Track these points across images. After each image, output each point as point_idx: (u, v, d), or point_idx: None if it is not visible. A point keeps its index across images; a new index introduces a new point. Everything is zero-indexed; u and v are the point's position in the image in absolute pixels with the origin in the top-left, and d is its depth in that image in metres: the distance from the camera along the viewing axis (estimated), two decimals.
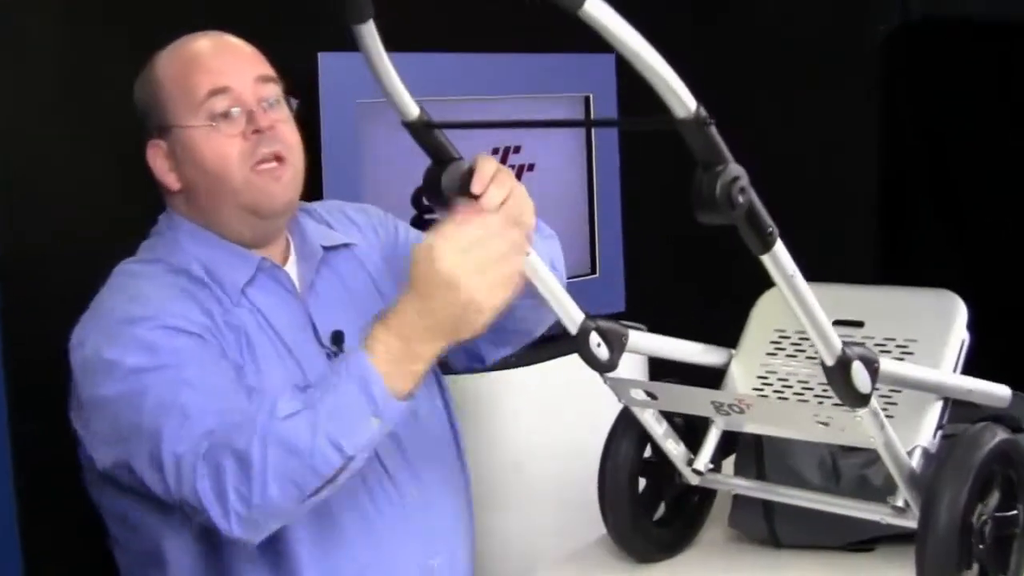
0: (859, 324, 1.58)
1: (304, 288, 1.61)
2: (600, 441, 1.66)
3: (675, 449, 1.62)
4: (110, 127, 1.68)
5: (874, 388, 1.31)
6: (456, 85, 2.69)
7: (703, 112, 1.10)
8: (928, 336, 1.54)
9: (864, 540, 1.63)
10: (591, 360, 1.44)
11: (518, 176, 2.21)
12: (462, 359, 1.74)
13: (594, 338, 1.43)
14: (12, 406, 1.99)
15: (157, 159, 1.56)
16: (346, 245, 1.69)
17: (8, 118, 2.08)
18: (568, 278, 1.69)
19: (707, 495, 1.72)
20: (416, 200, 2.70)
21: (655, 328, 1.58)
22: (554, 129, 3.03)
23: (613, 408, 1.62)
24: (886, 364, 1.34)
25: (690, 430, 1.63)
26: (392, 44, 1.30)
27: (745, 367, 1.62)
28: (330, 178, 2.44)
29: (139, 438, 1.38)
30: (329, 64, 2.47)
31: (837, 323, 1.42)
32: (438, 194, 1.42)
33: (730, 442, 1.67)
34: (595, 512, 1.66)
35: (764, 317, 1.66)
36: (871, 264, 3.66)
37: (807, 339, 1.49)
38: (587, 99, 3.05)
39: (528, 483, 2.59)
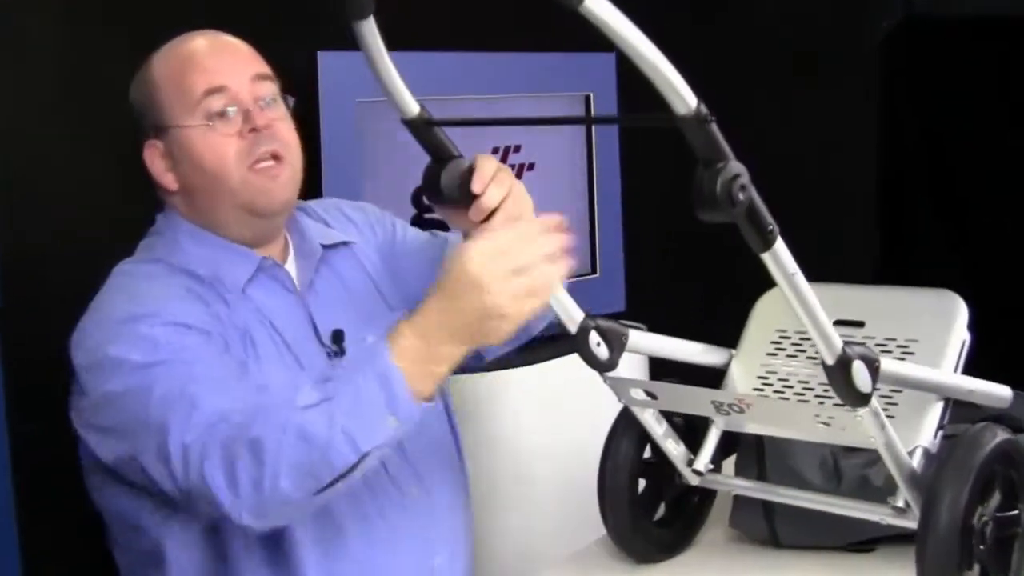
0: (860, 324, 1.58)
1: (304, 287, 1.61)
2: (600, 441, 1.66)
3: (675, 449, 1.61)
4: (110, 127, 1.67)
5: (875, 388, 1.31)
6: (456, 84, 2.69)
7: (703, 109, 1.09)
8: (929, 336, 1.54)
9: (865, 541, 1.63)
10: (591, 359, 1.44)
11: (518, 175, 2.21)
12: None
13: (594, 337, 1.43)
14: (11, 406, 1.99)
15: (154, 160, 1.55)
16: (344, 243, 1.69)
17: (8, 118, 2.08)
18: (568, 277, 1.68)
19: (707, 495, 1.72)
20: (416, 199, 2.70)
21: (655, 328, 1.58)
22: (554, 129, 3.03)
23: (613, 408, 1.62)
24: (887, 364, 1.34)
25: (690, 430, 1.63)
26: (392, 43, 1.30)
27: (745, 367, 1.62)
28: (330, 177, 2.44)
29: (146, 432, 1.37)
30: (329, 63, 2.47)
31: (838, 323, 1.42)
32: (437, 192, 1.42)
33: (731, 442, 1.67)
34: (595, 513, 1.66)
35: (765, 317, 1.66)
36: (871, 264, 3.66)
37: (808, 339, 1.49)
38: (587, 98, 3.05)
39: (528, 483, 2.59)
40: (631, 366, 1.69)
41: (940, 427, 1.48)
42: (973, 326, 1.55)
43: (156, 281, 1.51)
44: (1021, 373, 1.75)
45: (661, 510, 1.70)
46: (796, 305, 1.24)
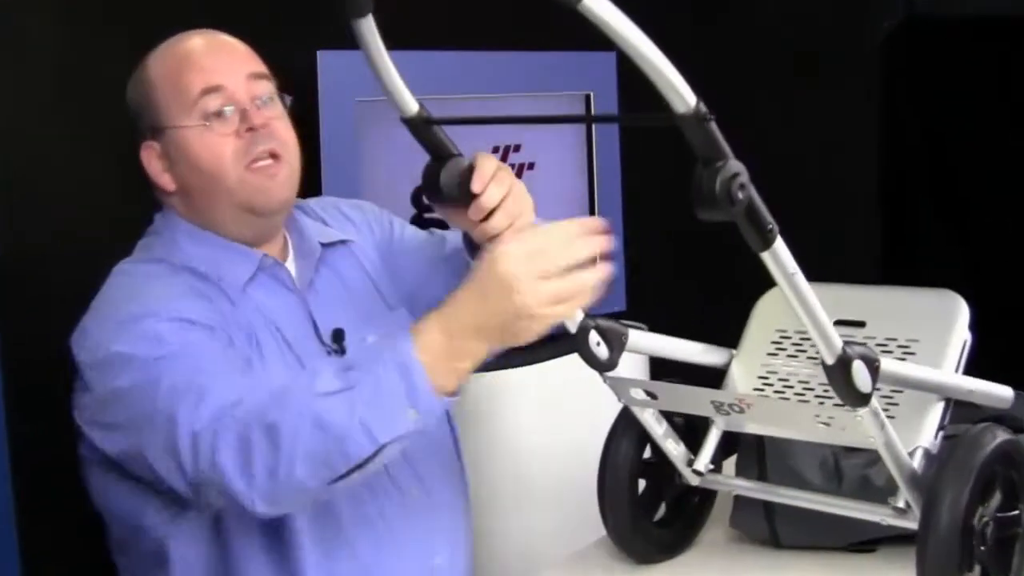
0: (860, 324, 1.58)
1: (304, 286, 1.61)
2: (600, 441, 1.66)
3: (675, 449, 1.61)
4: (110, 127, 1.67)
5: (875, 387, 1.31)
6: (456, 83, 2.69)
7: (703, 108, 1.09)
8: (930, 336, 1.54)
9: (865, 541, 1.63)
10: (591, 359, 1.44)
11: (518, 175, 2.21)
12: None
13: (594, 337, 1.43)
14: (11, 406, 1.98)
15: (151, 160, 1.55)
16: (343, 242, 1.68)
17: (8, 118, 2.08)
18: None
19: (707, 496, 1.72)
20: (415, 198, 2.70)
21: (655, 327, 1.58)
22: (554, 128, 3.02)
23: (613, 408, 1.62)
24: (887, 364, 1.33)
25: (690, 430, 1.63)
26: (392, 41, 1.30)
27: (746, 367, 1.62)
28: (329, 176, 2.44)
29: (154, 425, 1.36)
30: (328, 62, 2.47)
31: (838, 323, 1.42)
32: (437, 191, 1.42)
33: (731, 443, 1.67)
34: (595, 513, 1.66)
35: (765, 317, 1.66)
36: (872, 264, 3.66)
37: (808, 339, 1.49)
38: (587, 97, 3.05)
39: (528, 483, 2.58)
40: (631, 366, 1.69)
41: (941, 427, 1.48)
42: (974, 326, 1.55)
43: (158, 280, 1.51)
44: (1022, 373, 1.75)
45: (661, 510, 1.70)
46: (796, 305, 1.24)
